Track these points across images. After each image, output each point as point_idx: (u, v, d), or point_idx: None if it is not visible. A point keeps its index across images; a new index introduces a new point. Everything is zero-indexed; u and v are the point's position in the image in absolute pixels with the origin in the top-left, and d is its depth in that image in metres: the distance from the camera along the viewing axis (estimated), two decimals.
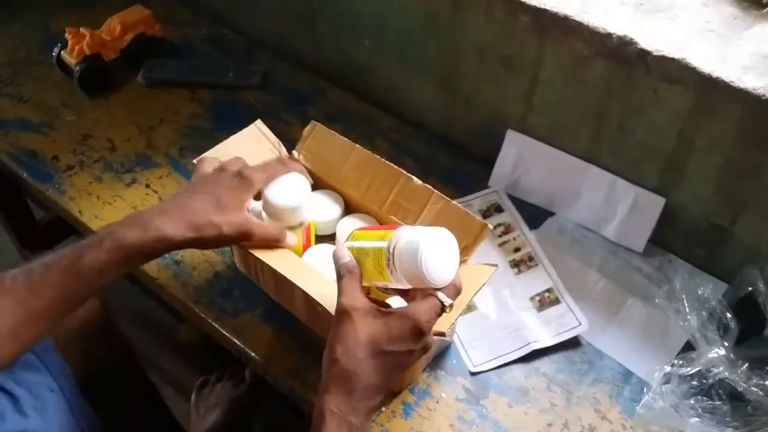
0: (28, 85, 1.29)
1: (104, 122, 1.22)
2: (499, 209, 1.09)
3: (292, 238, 0.85)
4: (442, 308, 0.67)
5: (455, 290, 0.68)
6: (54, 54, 1.26)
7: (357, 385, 0.65)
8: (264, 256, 0.82)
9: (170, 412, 1.32)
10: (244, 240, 0.81)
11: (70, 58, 1.25)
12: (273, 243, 0.83)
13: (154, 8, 1.34)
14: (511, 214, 1.08)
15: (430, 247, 0.65)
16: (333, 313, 0.71)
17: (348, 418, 0.64)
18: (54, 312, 0.74)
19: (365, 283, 0.70)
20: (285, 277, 0.79)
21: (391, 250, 0.67)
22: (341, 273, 0.70)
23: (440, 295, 0.67)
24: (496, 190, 1.11)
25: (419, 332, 0.66)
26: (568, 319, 0.95)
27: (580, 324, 0.94)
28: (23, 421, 0.87)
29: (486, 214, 1.08)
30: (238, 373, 1.41)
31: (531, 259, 1.02)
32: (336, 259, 0.71)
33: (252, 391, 1.38)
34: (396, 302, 0.73)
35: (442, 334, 0.73)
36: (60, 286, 0.73)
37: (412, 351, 0.67)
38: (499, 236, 1.05)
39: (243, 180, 0.82)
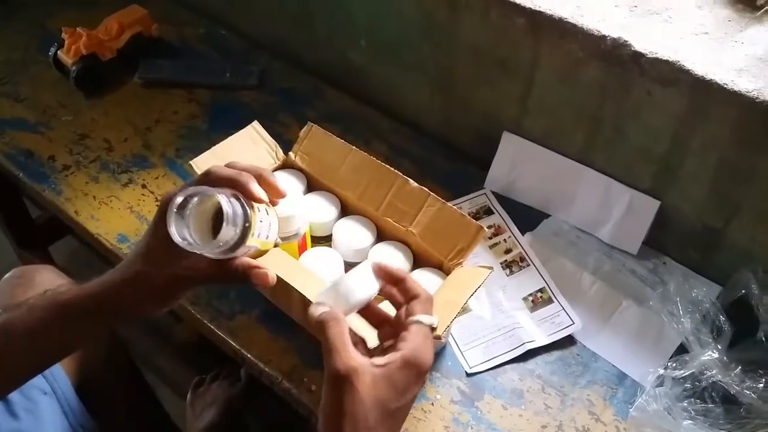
0: (24, 85, 1.29)
1: (101, 122, 1.23)
2: (488, 211, 1.09)
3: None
4: (432, 330, 0.63)
5: (430, 303, 0.64)
6: (50, 53, 1.26)
7: None
8: (260, 258, 0.82)
9: (166, 412, 1.32)
10: (182, 284, 0.69)
11: (66, 58, 1.25)
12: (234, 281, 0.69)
13: (151, 8, 1.34)
14: (500, 216, 1.08)
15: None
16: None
17: None
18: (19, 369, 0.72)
19: None
20: (281, 280, 0.80)
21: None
22: (325, 325, 0.60)
23: (422, 318, 0.62)
24: (485, 192, 1.12)
25: (424, 373, 0.60)
26: (561, 319, 0.95)
27: (574, 323, 0.95)
28: (15, 423, 0.87)
29: (476, 216, 1.08)
30: (233, 373, 1.42)
31: (522, 260, 1.03)
32: (313, 313, 0.62)
33: (247, 390, 1.38)
34: (371, 337, 0.66)
35: (438, 338, 0.73)
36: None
37: (417, 392, 0.61)
38: (490, 238, 1.05)
39: (159, 212, 0.66)
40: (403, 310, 0.65)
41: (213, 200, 0.64)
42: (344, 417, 0.56)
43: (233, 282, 0.68)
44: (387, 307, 0.69)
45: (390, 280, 0.65)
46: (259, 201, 0.68)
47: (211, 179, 0.66)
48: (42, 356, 0.72)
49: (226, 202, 0.63)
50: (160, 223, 0.64)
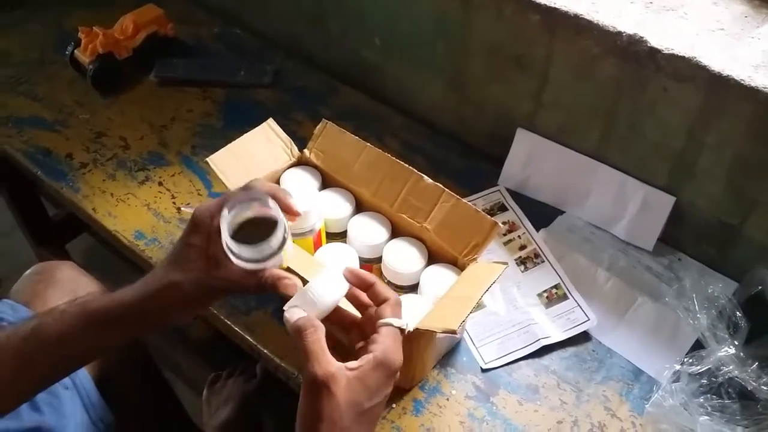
0: (42, 84, 1.30)
1: (117, 121, 1.24)
2: (503, 208, 1.09)
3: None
4: (402, 332, 0.64)
5: (400, 306, 0.66)
6: (67, 53, 1.27)
7: None
8: None
9: (183, 409, 1.33)
10: (214, 294, 0.71)
11: (83, 57, 1.26)
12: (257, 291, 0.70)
13: (167, 7, 1.35)
14: (514, 213, 1.08)
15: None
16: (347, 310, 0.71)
17: None
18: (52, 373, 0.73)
19: None
20: (298, 275, 0.80)
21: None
22: (303, 332, 0.61)
23: (392, 320, 0.64)
24: (499, 189, 1.12)
25: (395, 373, 0.62)
26: (576, 315, 0.95)
27: (589, 319, 0.94)
28: (38, 417, 0.88)
29: (490, 213, 1.08)
30: (249, 369, 1.42)
31: (537, 256, 1.03)
32: (288, 318, 0.62)
33: (263, 386, 1.39)
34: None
35: (453, 332, 0.73)
36: (23, 350, 0.70)
37: (389, 392, 0.63)
38: (504, 234, 1.05)
39: (191, 223, 0.69)
40: (373, 311, 0.67)
41: (245, 214, 0.67)
42: (322, 421, 0.58)
43: (261, 292, 0.68)
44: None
45: (360, 284, 0.67)
46: (295, 216, 0.72)
47: (252, 193, 0.69)
48: (71, 360, 0.73)
49: (278, 212, 0.66)
50: (193, 235, 0.67)
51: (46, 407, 0.89)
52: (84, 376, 0.97)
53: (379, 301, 0.66)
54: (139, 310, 0.68)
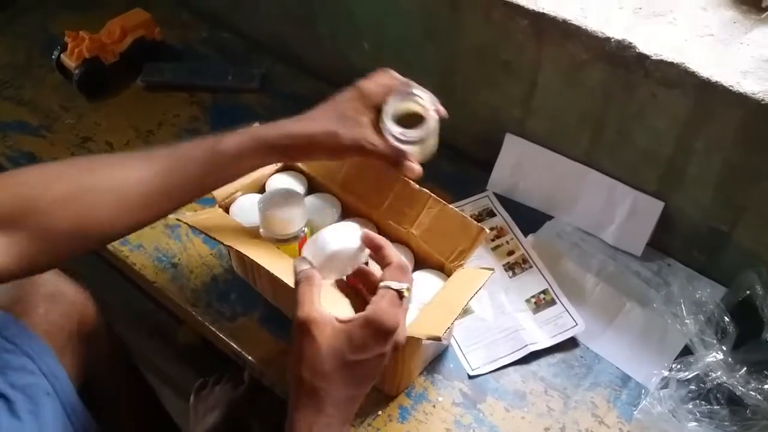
0: (27, 88, 1.30)
1: (103, 125, 1.23)
2: (491, 213, 1.09)
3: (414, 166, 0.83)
4: (400, 296, 0.65)
5: (401, 270, 0.67)
6: (53, 57, 1.26)
7: (326, 400, 0.63)
8: (261, 259, 0.82)
9: (168, 415, 1.32)
10: (359, 153, 0.81)
11: (69, 61, 1.25)
12: (392, 164, 0.82)
13: (154, 12, 1.34)
14: (502, 218, 1.08)
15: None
16: None
17: None
18: (188, 190, 0.77)
19: None
20: (282, 281, 0.79)
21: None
22: (298, 280, 0.67)
23: (390, 283, 0.65)
24: (487, 194, 1.11)
25: (384, 334, 0.63)
26: (564, 320, 0.95)
27: (577, 325, 0.94)
28: (18, 424, 0.87)
29: (478, 218, 1.07)
30: (236, 375, 1.41)
31: (525, 261, 1.02)
32: (294, 267, 0.69)
33: (250, 392, 1.38)
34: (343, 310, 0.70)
35: (438, 339, 0.72)
36: (199, 164, 0.76)
37: (382, 354, 0.64)
38: (492, 240, 1.05)
39: (357, 91, 0.82)
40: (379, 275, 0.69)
41: (405, 105, 0.82)
42: (302, 362, 0.63)
43: (389, 164, 0.81)
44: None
45: (370, 245, 0.70)
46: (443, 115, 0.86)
47: (411, 88, 0.83)
48: (226, 180, 0.81)
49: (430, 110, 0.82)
50: (358, 102, 0.81)
51: (27, 414, 0.88)
52: (66, 382, 0.95)
53: (384, 264, 0.68)
54: (295, 146, 0.79)
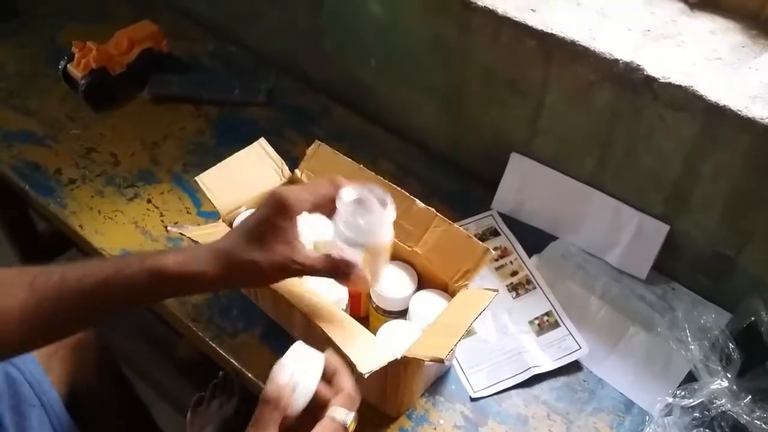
0: (33, 98, 1.29)
1: (108, 136, 1.22)
2: (495, 233, 1.08)
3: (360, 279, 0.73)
4: (345, 428, 0.62)
5: (351, 401, 0.63)
6: (60, 67, 1.26)
7: None
8: None
9: (158, 427, 1.31)
10: (289, 275, 0.72)
11: (76, 72, 1.25)
12: (334, 278, 0.73)
13: (162, 24, 1.34)
14: (507, 238, 1.07)
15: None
16: (330, 336, 0.70)
17: None
18: (71, 322, 0.71)
19: None
20: (284, 298, 0.79)
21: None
22: (262, 400, 0.62)
23: (335, 413, 0.62)
24: (492, 213, 1.11)
25: None
26: (568, 343, 0.94)
27: (580, 348, 0.93)
28: None
29: (482, 238, 1.07)
30: (229, 387, 1.40)
31: (529, 282, 1.01)
32: (270, 377, 0.63)
33: (242, 405, 1.36)
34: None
35: (441, 361, 0.72)
36: (88, 297, 0.68)
37: None
38: (496, 260, 1.04)
39: (276, 202, 0.69)
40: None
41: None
42: None
43: (332, 277, 0.72)
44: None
45: (327, 368, 0.65)
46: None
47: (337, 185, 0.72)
48: (120, 309, 0.72)
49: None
50: (279, 217, 0.69)
51: (12, 427, 0.87)
52: (53, 395, 0.94)
53: (337, 390, 0.64)
54: (207, 280, 0.69)
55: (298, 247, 0.70)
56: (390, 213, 0.71)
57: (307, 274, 0.71)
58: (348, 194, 0.71)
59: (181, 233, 0.87)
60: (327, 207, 0.72)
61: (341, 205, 0.70)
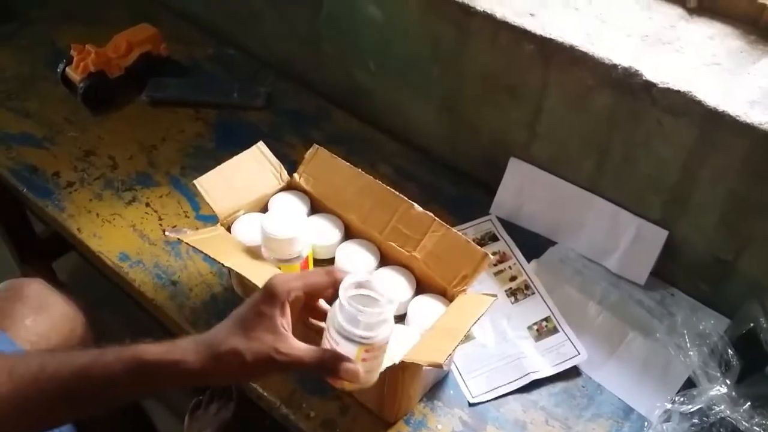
0: (32, 100, 1.29)
1: (107, 139, 1.22)
2: (493, 238, 1.08)
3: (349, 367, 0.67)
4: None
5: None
6: (59, 70, 1.26)
7: None
8: (260, 281, 0.81)
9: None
10: (273, 368, 0.67)
11: (74, 75, 1.25)
12: (320, 372, 0.68)
13: (161, 27, 1.34)
14: (505, 243, 1.07)
15: None
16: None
17: None
18: (50, 414, 0.67)
19: None
20: None
21: None
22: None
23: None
24: (490, 218, 1.11)
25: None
26: (566, 349, 0.94)
27: (579, 353, 0.93)
28: None
29: (481, 242, 1.06)
30: (227, 391, 1.40)
31: (527, 287, 1.01)
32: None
33: (240, 409, 1.36)
34: None
35: (440, 366, 0.71)
36: (66, 387, 0.65)
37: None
38: (495, 265, 1.04)
39: (264, 289, 0.67)
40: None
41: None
42: None
43: (319, 373, 0.67)
44: None
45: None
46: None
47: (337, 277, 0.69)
48: (103, 403, 0.70)
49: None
50: (267, 305, 0.65)
51: None
52: None
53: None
54: (187, 369, 0.65)
55: (285, 336, 0.65)
56: (393, 309, 0.66)
57: (292, 366, 0.66)
58: (351, 281, 0.66)
59: (178, 237, 0.87)
60: (319, 297, 0.71)
61: (342, 292, 0.65)
